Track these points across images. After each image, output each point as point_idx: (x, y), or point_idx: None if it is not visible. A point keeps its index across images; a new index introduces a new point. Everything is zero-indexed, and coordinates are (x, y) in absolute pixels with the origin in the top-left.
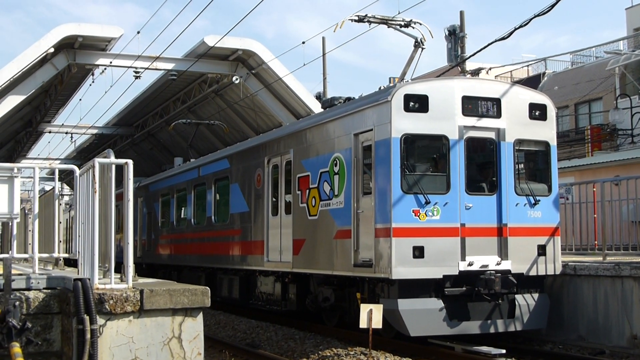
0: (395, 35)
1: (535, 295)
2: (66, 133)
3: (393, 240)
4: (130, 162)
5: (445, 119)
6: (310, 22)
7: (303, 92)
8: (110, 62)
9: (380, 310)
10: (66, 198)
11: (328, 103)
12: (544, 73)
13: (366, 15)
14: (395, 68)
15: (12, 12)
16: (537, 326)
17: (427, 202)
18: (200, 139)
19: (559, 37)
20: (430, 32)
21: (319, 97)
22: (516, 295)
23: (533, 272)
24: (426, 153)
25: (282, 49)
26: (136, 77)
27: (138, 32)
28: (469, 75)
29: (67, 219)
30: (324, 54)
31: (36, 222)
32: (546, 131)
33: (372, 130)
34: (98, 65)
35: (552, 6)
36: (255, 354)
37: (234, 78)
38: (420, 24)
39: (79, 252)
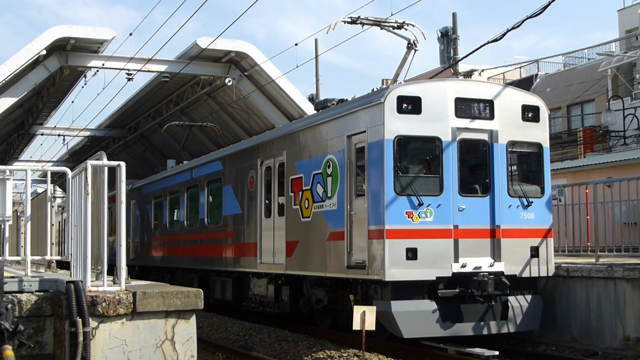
0: (387, 37)
1: (528, 297)
2: (58, 135)
3: (386, 241)
4: (122, 164)
5: (438, 121)
6: (301, 24)
7: (296, 94)
8: (103, 64)
9: (374, 312)
10: (58, 200)
11: (321, 105)
12: (536, 75)
13: (359, 17)
14: (386, 70)
15: (2, 14)
16: (530, 328)
17: (420, 204)
18: (193, 141)
19: (549, 38)
20: (423, 33)
21: (311, 99)
22: (509, 297)
23: (526, 274)
24: (419, 155)
25: (273, 51)
26: (129, 79)
27: (130, 34)
28: (461, 77)
29: (59, 222)
30: (316, 56)
31: (28, 224)
32: (539, 133)
33: (365, 132)
34: (90, 67)
35: (545, 8)
36: (248, 356)
37: (226, 80)
38: (413, 26)
39: (71, 254)
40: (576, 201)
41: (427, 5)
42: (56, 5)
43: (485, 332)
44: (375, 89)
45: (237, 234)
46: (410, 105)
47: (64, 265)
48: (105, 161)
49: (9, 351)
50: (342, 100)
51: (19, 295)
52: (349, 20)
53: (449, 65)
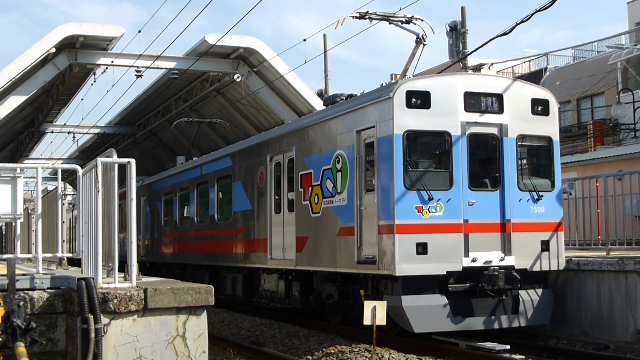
0: (393, 32)
1: (539, 291)
2: (68, 133)
3: (396, 236)
4: (132, 161)
5: (448, 115)
6: (307, 20)
7: (305, 90)
8: (112, 62)
9: (384, 307)
10: (69, 198)
11: (330, 100)
12: (545, 68)
13: (367, 12)
14: (393, 65)
15: (8, 12)
16: (541, 322)
17: (430, 199)
18: (203, 138)
19: (557, 32)
20: (431, 28)
21: (320, 94)
22: (520, 291)
23: (537, 268)
24: (429, 149)
25: (280, 47)
26: (138, 77)
27: (139, 32)
28: (470, 71)
29: (70, 219)
30: (325, 51)
31: (39, 222)
32: (549, 126)
33: (374, 127)
34: (99, 65)
35: (554, 0)
36: (259, 352)
37: (235, 76)
38: (422, 20)
39: (82, 251)
40: (586, 194)
41: None
42: (62, 3)
43: (496, 326)
44: (384, 84)
45: (247, 230)
46: (420, 99)
47: (75, 262)
48: (115, 158)
49: (21, 348)
50: (351, 96)
51: (30, 292)
52: (358, 15)
53: (458, 59)
